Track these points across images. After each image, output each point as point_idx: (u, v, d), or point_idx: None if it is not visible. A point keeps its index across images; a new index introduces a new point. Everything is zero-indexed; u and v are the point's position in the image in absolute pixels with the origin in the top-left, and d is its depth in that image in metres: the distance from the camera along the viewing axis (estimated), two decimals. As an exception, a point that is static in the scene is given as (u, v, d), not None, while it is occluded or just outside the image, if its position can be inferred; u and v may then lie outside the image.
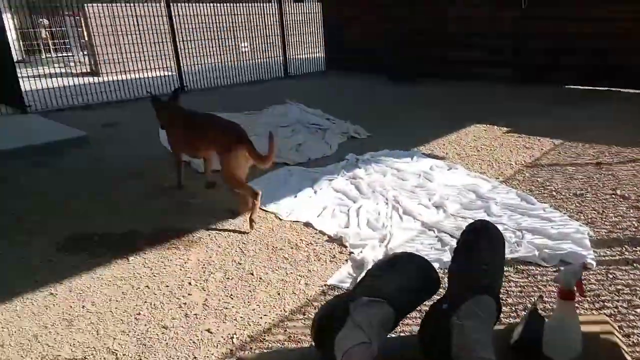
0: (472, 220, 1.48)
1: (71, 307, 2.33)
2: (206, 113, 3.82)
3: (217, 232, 3.09)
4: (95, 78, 8.84)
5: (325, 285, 2.46)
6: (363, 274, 1.24)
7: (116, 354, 2.00)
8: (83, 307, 2.33)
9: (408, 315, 1.23)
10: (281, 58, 9.91)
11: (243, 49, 9.99)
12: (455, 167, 4.10)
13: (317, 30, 10.65)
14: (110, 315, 2.26)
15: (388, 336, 1.14)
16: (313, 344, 1.16)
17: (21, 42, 10.48)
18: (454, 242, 2.51)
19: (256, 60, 9.77)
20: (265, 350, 1.99)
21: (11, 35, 8.06)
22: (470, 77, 8.34)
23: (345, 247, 2.84)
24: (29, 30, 11.02)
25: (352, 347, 1.01)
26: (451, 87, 8.04)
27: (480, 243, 1.24)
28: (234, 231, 3.10)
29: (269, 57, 9.97)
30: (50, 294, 2.44)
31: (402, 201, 3.40)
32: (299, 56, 10.38)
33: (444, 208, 3.26)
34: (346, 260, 2.69)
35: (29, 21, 10.81)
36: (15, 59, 6.61)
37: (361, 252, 2.71)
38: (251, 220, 3.09)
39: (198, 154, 3.73)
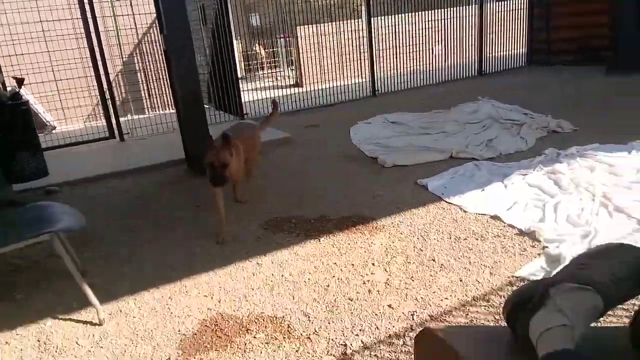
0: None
1: (273, 275, 2.66)
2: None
3: (399, 221, 3.15)
4: (300, 88, 9.86)
5: (513, 276, 2.30)
6: (564, 265, 1.15)
7: (309, 317, 2.23)
8: (282, 276, 2.64)
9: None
10: (476, 57, 9.52)
11: (437, 51, 9.92)
12: (690, 161, 3.38)
13: (519, 25, 9.93)
14: (304, 285, 2.52)
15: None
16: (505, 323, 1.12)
17: (243, 63, 12.34)
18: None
19: (449, 61, 9.60)
20: (453, 324, 1.97)
21: (237, 57, 9.58)
22: None
23: (539, 241, 2.61)
24: (247, 53, 12.92)
25: (552, 327, 0.94)
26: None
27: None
28: (417, 221, 3.12)
29: (463, 57, 9.68)
30: (257, 264, 2.82)
31: (614, 198, 2.96)
32: (495, 54, 9.84)
33: (671, 205, 2.73)
34: (539, 254, 2.47)
35: (249, 45, 12.71)
36: (239, 76, 7.84)
37: (558, 247, 2.45)
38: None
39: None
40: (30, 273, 2.94)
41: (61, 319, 2.43)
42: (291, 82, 11.10)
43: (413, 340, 1.28)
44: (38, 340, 2.28)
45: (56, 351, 2.19)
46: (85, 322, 2.38)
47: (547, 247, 2.51)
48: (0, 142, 3.86)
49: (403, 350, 1.93)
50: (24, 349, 2.23)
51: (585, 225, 2.67)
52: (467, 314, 2.06)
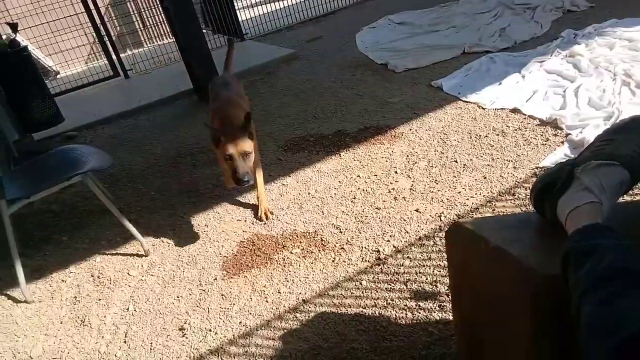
0: None
1: (299, 194, 2.74)
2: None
3: (417, 126, 3.14)
4: (296, -1, 9.38)
5: (537, 168, 2.33)
6: (589, 144, 1.13)
7: (339, 229, 2.33)
8: (308, 193, 2.72)
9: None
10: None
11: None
12: None
13: None
14: (331, 199, 2.59)
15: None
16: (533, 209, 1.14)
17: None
18: None
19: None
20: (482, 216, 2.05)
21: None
22: None
23: (561, 129, 2.60)
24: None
25: (579, 206, 0.95)
26: None
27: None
28: (435, 124, 3.11)
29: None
30: (283, 185, 2.89)
31: (636, 74, 2.88)
32: None
33: (696, 77, 2.65)
34: (562, 143, 2.47)
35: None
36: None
37: (581, 132, 2.45)
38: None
39: None
40: (69, 216, 3.08)
41: (108, 254, 2.59)
42: (287, -7, 10.52)
43: (444, 237, 1.34)
44: (92, 276, 2.45)
45: (110, 283, 2.36)
46: (131, 255, 2.53)
47: (569, 134, 2.51)
48: (10, 92, 3.85)
49: (434, 250, 2.03)
50: (80, 284, 2.40)
51: (608, 107, 2.63)
52: (494, 210, 2.13)
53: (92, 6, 5.78)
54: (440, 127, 3.05)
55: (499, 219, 1.53)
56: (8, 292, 2.44)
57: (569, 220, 0.96)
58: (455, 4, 5.84)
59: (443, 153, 2.73)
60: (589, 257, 0.83)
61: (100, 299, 2.26)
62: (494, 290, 1.12)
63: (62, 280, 2.47)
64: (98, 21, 5.86)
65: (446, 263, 1.88)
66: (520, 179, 2.29)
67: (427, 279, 1.88)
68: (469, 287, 1.25)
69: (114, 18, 7.43)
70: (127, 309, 2.16)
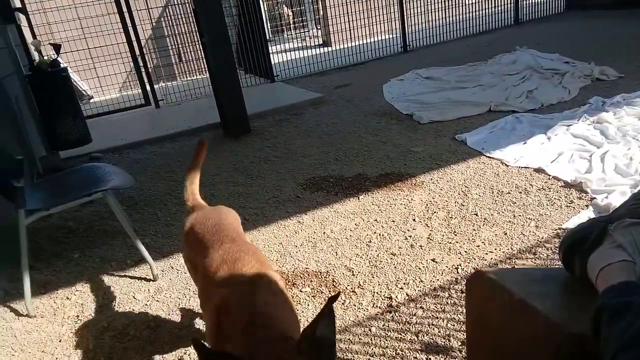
0: None
1: (315, 232, 2.71)
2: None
3: (439, 177, 3.12)
4: (328, 48, 9.67)
5: (560, 229, 2.27)
6: (623, 202, 1.10)
7: (352, 271, 2.27)
8: (324, 233, 2.68)
9: None
10: (512, 4, 9.07)
11: (469, 1, 9.50)
12: None
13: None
14: (345, 241, 2.55)
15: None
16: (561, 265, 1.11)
17: (269, 24, 12.17)
18: None
19: (483, 11, 9.18)
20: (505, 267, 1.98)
21: (264, 18, 9.43)
22: None
23: (586, 192, 2.54)
24: (275, 13, 12.72)
25: (611, 263, 0.92)
26: None
27: None
28: (456, 176, 3.08)
29: (498, 6, 9.23)
30: (298, 222, 2.86)
31: (665, 145, 2.83)
32: (532, 0, 9.36)
33: None
34: (586, 206, 2.41)
35: (275, 5, 12.49)
36: (267, 38, 7.74)
37: (607, 197, 2.39)
38: None
39: None
40: (84, 234, 3.08)
41: (117, 275, 2.56)
42: (319, 42, 10.90)
43: (464, 285, 1.28)
44: (97, 296, 2.41)
45: (114, 304, 2.32)
46: (139, 278, 2.50)
47: (595, 198, 2.45)
48: (44, 110, 3.98)
49: (449, 302, 1.96)
50: (84, 303, 2.37)
51: (635, 175, 2.58)
52: (514, 267, 2.06)
53: (133, 38, 6.06)
54: (461, 179, 3.02)
55: (524, 271, 1.48)
56: (11, 304, 2.42)
57: (600, 278, 0.93)
58: (484, 64, 5.93)
59: (463, 205, 2.69)
60: (624, 315, 0.79)
61: (101, 320, 2.22)
62: (515, 343, 1.06)
63: (67, 298, 2.44)
64: (137, 52, 6.12)
65: (461, 317, 1.81)
66: (542, 238, 2.23)
67: (439, 332, 1.80)
68: (489, 339, 1.18)
69: (151, 51, 7.75)
70: (128, 333, 2.10)
